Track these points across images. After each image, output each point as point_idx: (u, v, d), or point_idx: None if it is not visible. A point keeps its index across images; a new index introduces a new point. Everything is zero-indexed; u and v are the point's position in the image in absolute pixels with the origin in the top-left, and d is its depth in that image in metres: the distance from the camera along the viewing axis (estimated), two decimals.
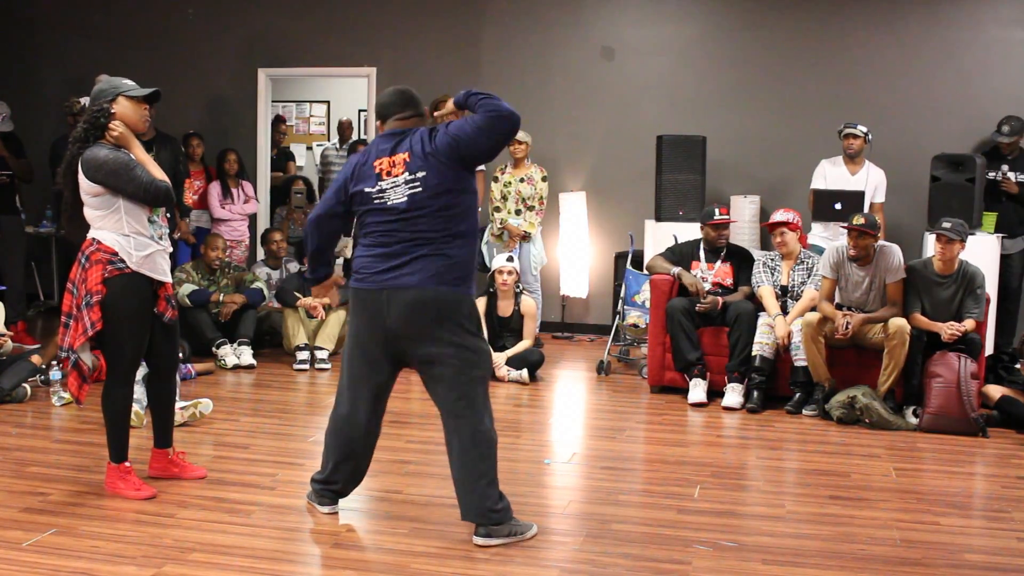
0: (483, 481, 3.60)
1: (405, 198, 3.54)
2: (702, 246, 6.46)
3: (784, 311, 6.12)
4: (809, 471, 4.77)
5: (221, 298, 7.05)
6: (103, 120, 3.95)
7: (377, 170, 3.60)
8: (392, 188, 3.56)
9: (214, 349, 6.82)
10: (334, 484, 3.87)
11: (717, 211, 6.40)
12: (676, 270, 6.36)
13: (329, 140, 11.65)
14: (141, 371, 4.37)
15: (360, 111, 11.11)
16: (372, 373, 3.71)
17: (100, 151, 3.89)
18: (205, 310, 6.96)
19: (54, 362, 5.93)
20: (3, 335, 6.00)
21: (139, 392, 4.72)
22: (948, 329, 5.58)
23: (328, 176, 9.23)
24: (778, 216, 6.28)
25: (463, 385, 3.59)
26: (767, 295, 6.13)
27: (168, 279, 4.11)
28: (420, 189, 3.53)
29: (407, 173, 3.55)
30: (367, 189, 3.60)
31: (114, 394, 4.03)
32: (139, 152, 3.99)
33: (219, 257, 7.18)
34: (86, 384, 4.02)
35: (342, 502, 3.93)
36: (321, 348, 6.87)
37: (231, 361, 6.75)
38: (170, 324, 4.13)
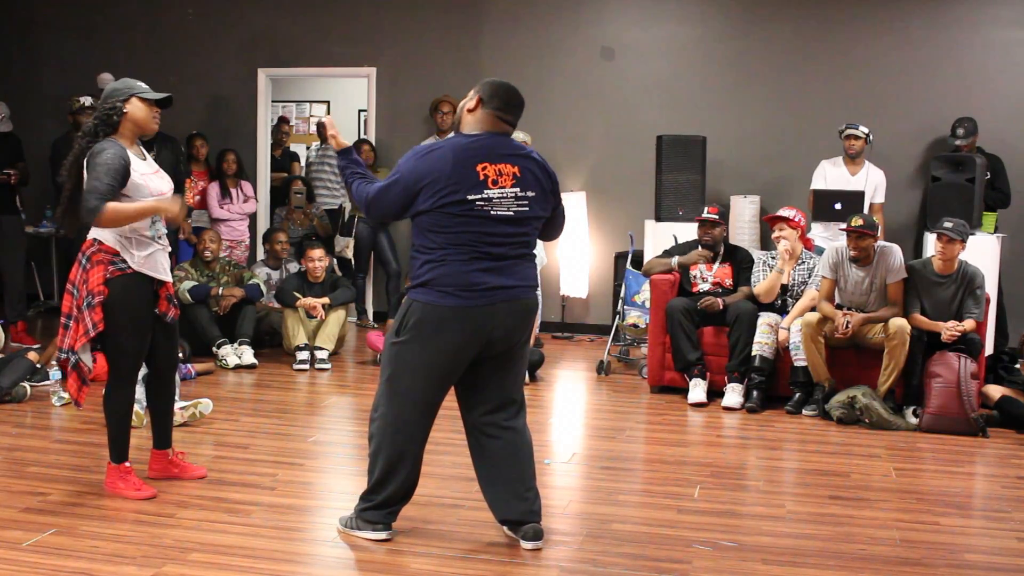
0: (534, 481, 3.65)
1: (512, 212, 3.43)
2: (700, 247, 6.47)
3: (784, 310, 6.12)
4: (809, 471, 4.77)
5: (220, 291, 7.06)
6: (115, 118, 3.95)
7: (482, 176, 3.39)
8: (500, 199, 3.40)
9: (215, 349, 6.82)
10: (396, 505, 3.65)
11: (706, 210, 6.42)
12: (674, 259, 6.39)
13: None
14: (141, 371, 4.37)
15: (360, 111, 11.09)
16: (445, 389, 3.57)
17: (108, 147, 3.88)
18: (205, 307, 6.97)
19: (54, 362, 5.93)
20: None
21: (139, 392, 4.72)
22: (948, 329, 5.58)
23: (317, 176, 9.14)
24: (781, 211, 6.29)
25: (520, 376, 3.67)
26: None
27: (169, 278, 4.11)
28: (527, 208, 3.46)
29: (517, 188, 3.43)
30: (471, 196, 3.36)
31: (115, 394, 4.03)
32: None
33: (208, 248, 7.17)
34: (86, 386, 4.01)
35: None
36: (321, 348, 6.87)
37: (232, 361, 6.74)
38: (171, 324, 4.13)
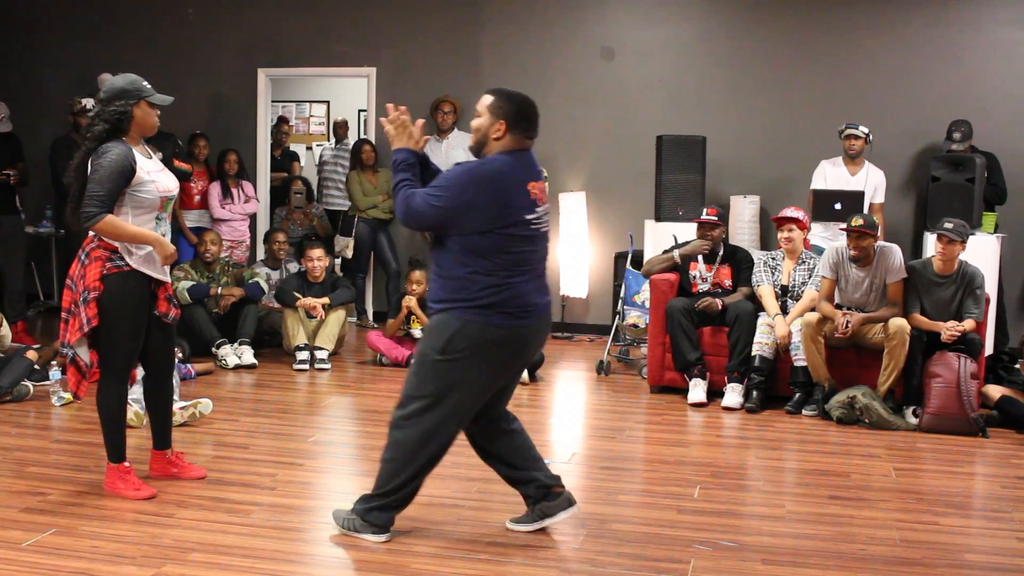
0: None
1: (548, 227, 3.55)
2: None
3: (784, 311, 6.12)
4: (809, 471, 4.77)
5: (219, 291, 7.06)
6: (125, 124, 3.94)
7: (532, 195, 3.44)
8: (545, 215, 3.51)
9: (214, 349, 6.82)
10: (402, 508, 3.67)
11: (705, 211, 6.42)
12: (675, 252, 6.40)
13: (328, 140, 11.64)
14: (140, 372, 4.37)
15: (360, 111, 11.10)
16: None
17: (112, 148, 3.88)
18: (204, 307, 6.97)
19: (53, 362, 5.93)
20: None
21: (138, 392, 4.72)
22: (948, 329, 5.58)
23: (330, 177, 9.19)
24: (788, 212, 6.29)
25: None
26: (767, 295, 6.13)
27: (168, 279, 4.11)
28: (548, 219, 3.58)
29: (547, 204, 3.56)
30: (527, 216, 3.42)
31: (107, 393, 4.03)
32: None
33: (209, 251, 7.17)
34: (85, 380, 4.02)
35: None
36: (321, 348, 6.87)
37: (232, 361, 6.74)
38: (170, 324, 4.13)
